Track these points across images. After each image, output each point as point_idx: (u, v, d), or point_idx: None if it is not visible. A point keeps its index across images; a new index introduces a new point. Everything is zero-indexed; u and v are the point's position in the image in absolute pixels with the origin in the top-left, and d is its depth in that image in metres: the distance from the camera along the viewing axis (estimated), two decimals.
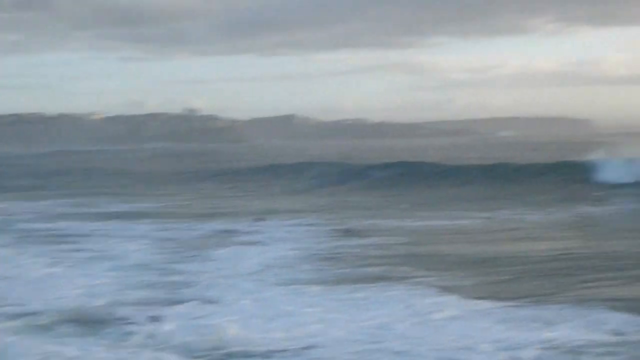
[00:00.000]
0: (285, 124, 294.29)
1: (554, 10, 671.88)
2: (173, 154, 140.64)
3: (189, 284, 22.49)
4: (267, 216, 39.36)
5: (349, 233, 32.35)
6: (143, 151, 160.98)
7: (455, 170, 60.83)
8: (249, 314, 18.48)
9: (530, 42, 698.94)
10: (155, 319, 17.95)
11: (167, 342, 16.12)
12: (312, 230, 33.69)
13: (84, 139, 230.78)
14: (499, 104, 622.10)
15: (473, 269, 23.80)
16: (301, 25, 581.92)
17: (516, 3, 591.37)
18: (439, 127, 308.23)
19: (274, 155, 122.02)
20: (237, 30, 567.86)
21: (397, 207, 43.64)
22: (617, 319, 16.66)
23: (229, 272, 24.28)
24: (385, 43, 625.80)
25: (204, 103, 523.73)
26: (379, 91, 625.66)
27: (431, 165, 65.18)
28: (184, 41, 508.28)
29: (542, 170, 56.21)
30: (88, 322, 17.86)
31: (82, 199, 53.15)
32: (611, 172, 50.64)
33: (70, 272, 24.86)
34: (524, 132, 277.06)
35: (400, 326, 16.99)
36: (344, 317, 17.94)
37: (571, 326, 16.32)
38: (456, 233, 32.68)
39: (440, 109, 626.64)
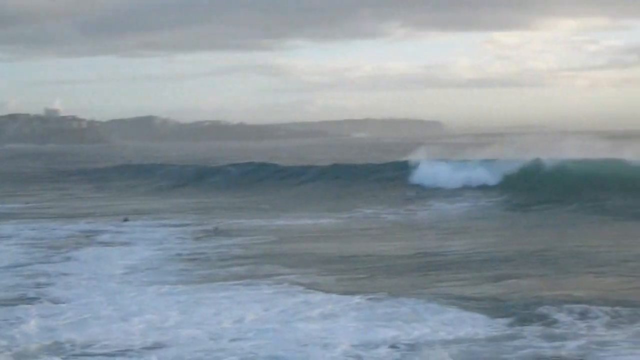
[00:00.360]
0: (145, 125, 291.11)
1: (404, 15, 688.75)
2: (32, 155, 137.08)
3: (50, 284, 22.04)
4: (131, 216, 39.01)
5: (215, 233, 32.41)
6: (3, 152, 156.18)
7: (299, 170, 61.98)
8: (101, 313, 18.26)
9: (382, 46, 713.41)
10: (9, 321, 17.60)
11: (18, 344, 15.75)
12: (176, 231, 33.61)
13: None
14: (354, 106, 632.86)
15: (334, 267, 24.26)
16: (162, 27, 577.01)
17: (369, 8, 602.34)
18: (296, 128, 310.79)
19: (133, 156, 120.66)
20: (100, 31, 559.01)
21: (259, 207, 44.08)
22: (469, 317, 17.21)
23: (92, 272, 23.93)
24: (244, 45, 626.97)
25: (64, 104, 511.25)
26: (238, 93, 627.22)
27: (274, 166, 65.82)
28: (46, 42, 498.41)
29: (375, 169, 57.72)
30: None
31: None
32: (429, 175, 51.91)
33: None
34: (377, 134, 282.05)
35: (259, 324, 17.03)
36: (201, 316, 17.86)
37: (426, 324, 16.76)
38: (317, 232, 33.23)
39: (298, 111, 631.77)
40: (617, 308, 17.45)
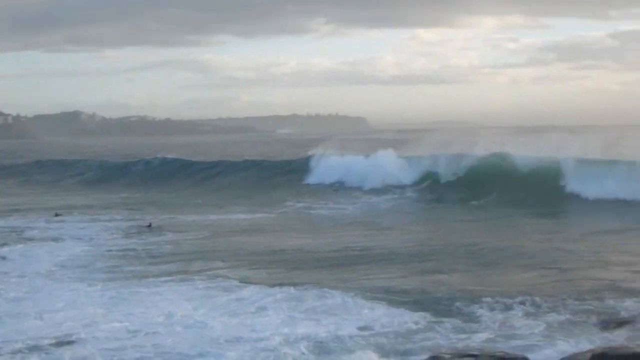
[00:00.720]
0: (71, 120, 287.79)
1: (329, 12, 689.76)
2: None
3: None
4: (60, 211, 38.64)
5: (149, 229, 32.35)
6: None
7: (226, 165, 62.13)
8: (18, 311, 18.16)
9: (307, 42, 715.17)
10: None
11: None
12: (108, 226, 33.47)
13: None
14: (279, 102, 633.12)
15: (265, 261, 24.53)
16: (88, 22, 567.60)
17: (294, 4, 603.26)
18: (222, 124, 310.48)
19: (58, 151, 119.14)
20: (25, 27, 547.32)
21: (192, 203, 44.14)
22: (393, 311, 17.61)
23: (20, 269, 23.73)
24: (171, 41, 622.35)
25: None
26: (165, 88, 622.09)
27: (200, 163, 65.66)
28: None
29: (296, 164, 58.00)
30: None
31: None
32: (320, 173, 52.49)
33: None
34: (303, 130, 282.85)
35: (187, 320, 17.11)
36: (126, 312, 17.83)
37: (350, 317, 17.16)
38: (250, 226, 33.53)
39: (223, 107, 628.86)
40: (536, 299, 18.03)
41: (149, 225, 33.12)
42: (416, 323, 16.57)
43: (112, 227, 33.13)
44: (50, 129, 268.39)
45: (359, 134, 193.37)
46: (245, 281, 21.09)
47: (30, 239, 30.22)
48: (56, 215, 37.21)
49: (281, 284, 20.42)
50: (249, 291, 19.80)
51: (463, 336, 15.49)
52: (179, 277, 21.86)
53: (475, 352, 10.26)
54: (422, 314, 17.27)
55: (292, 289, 19.76)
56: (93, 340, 15.64)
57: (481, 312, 17.34)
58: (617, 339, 14.54)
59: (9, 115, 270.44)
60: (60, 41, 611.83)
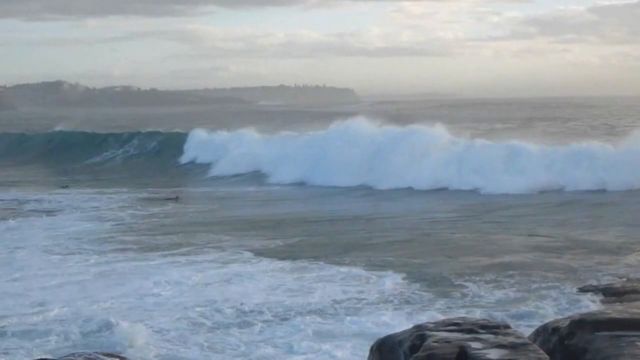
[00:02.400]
0: (53, 90, 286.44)
1: None
2: None
3: None
4: (69, 184, 39.83)
5: (177, 201, 33.78)
6: None
7: None
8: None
9: (295, 14, 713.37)
10: None
11: None
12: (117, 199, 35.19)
13: None
14: (267, 73, 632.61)
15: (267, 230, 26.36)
16: None
17: None
18: (208, 95, 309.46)
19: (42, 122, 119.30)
20: None
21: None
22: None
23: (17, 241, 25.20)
24: (156, 11, 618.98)
25: None
26: (149, 59, 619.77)
27: None
28: None
29: None
30: None
31: None
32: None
33: None
34: (291, 101, 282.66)
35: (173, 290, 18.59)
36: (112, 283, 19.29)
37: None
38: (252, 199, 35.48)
39: (210, 77, 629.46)
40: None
41: (177, 197, 34.65)
42: None
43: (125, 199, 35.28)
44: (32, 99, 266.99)
45: (345, 104, 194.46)
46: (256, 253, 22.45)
47: (33, 211, 31.83)
48: (63, 187, 38.41)
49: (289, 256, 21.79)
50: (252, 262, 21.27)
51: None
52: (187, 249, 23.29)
53: (459, 321, 11.32)
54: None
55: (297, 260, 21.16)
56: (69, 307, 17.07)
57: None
58: (593, 305, 16.03)
59: None
60: (40, 9, 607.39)
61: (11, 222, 28.70)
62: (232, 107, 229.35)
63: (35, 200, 34.93)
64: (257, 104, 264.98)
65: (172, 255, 22.28)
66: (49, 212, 30.98)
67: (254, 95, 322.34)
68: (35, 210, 31.63)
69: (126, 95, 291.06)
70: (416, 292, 17.98)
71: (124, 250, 23.21)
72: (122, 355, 11.78)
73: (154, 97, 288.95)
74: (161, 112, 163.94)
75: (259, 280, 19.02)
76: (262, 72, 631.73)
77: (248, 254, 22.11)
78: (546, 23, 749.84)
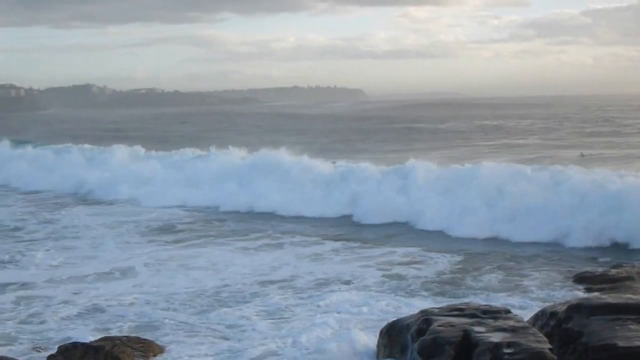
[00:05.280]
0: (82, 93, 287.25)
1: None
2: None
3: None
4: None
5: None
6: None
7: None
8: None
9: (304, 19, 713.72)
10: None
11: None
12: None
13: None
14: (280, 75, 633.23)
15: None
16: (92, 0, 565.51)
17: None
18: (227, 96, 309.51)
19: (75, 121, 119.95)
20: (32, 3, 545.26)
21: None
22: None
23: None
24: (174, 18, 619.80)
25: (1, 73, 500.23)
26: (170, 62, 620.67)
27: None
28: None
29: None
30: None
31: None
32: None
33: None
34: (305, 101, 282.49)
35: None
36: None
37: None
38: None
39: (226, 80, 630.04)
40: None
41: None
42: None
43: None
44: (63, 102, 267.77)
45: (357, 103, 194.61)
46: None
47: None
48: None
49: None
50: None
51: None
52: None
53: (462, 306, 11.48)
54: None
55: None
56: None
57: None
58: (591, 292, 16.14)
59: (21, 88, 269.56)
60: (67, 17, 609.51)
61: None
62: (252, 106, 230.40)
63: None
64: (278, 104, 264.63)
65: None
66: None
67: (269, 96, 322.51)
68: None
69: (150, 97, 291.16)
70: None
71: None
72: None
73: (176, 98, 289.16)
74: (203, 110, 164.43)
75: None
76: (275, 75, 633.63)
77: None
78: (543, 26, 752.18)
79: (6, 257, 21.77)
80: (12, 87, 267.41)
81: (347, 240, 23.85)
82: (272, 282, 18.30)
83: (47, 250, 22.84)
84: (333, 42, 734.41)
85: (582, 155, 40.78)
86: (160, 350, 13.11)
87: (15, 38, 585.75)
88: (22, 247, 23.33)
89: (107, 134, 79.67)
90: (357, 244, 23.05)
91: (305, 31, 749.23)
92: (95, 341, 12.89)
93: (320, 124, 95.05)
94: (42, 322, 15.26)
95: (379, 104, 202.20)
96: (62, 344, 12.93)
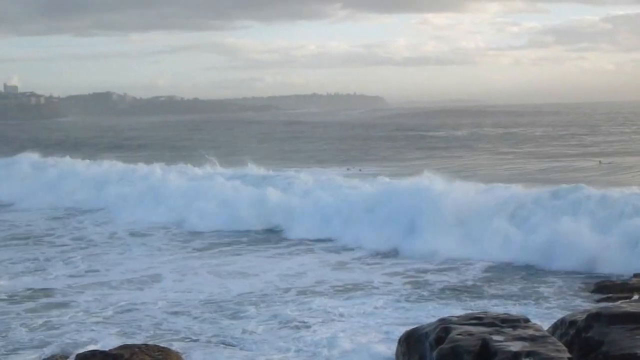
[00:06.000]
0: (103, 100, 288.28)
1: None
2: None
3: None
4: None
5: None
6: None
7: None
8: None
9: (325, 26, 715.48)
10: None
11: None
12: None
13: None
14: (300, 82, 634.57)
15: None
16: (114, 8, 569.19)
17: None
18: (248, 103, 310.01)
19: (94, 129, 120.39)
20: (53, 11, 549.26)
21: None
22: None
23: None
24: (196, 26, 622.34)
25: (22, 81, 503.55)
26: (191, 70, 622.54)
27: None
28: (4, 21, 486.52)
29: None
30: None
31: None
32: None
33: None
34: (325, 108, 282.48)
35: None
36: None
37: None
38: None
39: (248, 87, 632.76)
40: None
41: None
42: None
43: None
44: (84, 109, 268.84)
45: (376, 110, 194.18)
46: None
47: None
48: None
49: None
50: None
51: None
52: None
53: (481, 315, 11.39)
54: None
55: None
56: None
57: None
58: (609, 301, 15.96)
59: (41, 96, 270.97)
60: (88, 26, 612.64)
61: None
62: (273, 113, 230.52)
63: None
64: (298, 111, 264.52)
65: None
66: None
67: (290, 103, 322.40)
68: None
69: (170, 105, 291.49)
70: None
71: None
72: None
73: (196, 105, 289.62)
74: (221, 117, 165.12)
75: None
76: (296, 82, 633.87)
77: None
78: (562, 32, 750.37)
79: (32, 266, 21.94)
80: (32, 94, 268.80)
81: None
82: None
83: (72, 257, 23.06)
84: (353, 49, 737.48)
85: (601, 163, 40.81)
86: (178, 358, 13.09)
87: (37, 46, 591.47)
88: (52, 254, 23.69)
89: (105, 141, 79.78)
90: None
91: (325, 39, 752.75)
92: (114, 349, 12.88)
93: (337, 132, 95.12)
94: (58, 327, 15.34)
95: (399, 111, 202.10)
96: (80, 351, 12.94)
